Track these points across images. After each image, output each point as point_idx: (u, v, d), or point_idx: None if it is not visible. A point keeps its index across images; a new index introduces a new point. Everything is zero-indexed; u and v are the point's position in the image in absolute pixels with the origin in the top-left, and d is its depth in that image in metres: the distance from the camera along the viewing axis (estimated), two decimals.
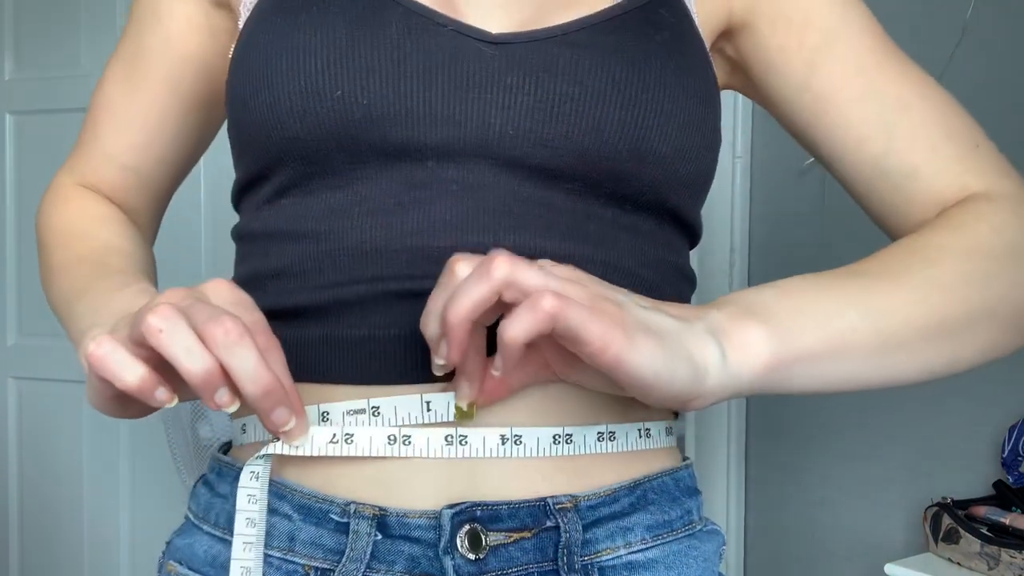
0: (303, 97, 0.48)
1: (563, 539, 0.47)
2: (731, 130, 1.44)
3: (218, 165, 1.04)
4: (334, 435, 0.46)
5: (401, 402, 0.46)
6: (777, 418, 1.41)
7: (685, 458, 0.57)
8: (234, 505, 0.48)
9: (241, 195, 0.55)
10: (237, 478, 0.48)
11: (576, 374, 0.45)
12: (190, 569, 0.51)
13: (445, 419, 0.46)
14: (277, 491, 0.48)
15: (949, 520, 1.04)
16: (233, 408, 0.41)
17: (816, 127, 0.57)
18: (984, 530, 1.01)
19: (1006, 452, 1.10)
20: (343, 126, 0.47)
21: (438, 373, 0.43)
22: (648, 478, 0.51)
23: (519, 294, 0.39)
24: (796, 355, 0.44)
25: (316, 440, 0.45)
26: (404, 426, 0.46)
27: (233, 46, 0.54)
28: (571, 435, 0.48)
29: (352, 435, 0.46)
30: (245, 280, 0.53)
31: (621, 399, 0.49)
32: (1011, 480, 1.09)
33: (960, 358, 0.49)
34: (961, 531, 1.02)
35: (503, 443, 0.46)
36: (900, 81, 0.55)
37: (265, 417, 0.42)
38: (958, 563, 1.03)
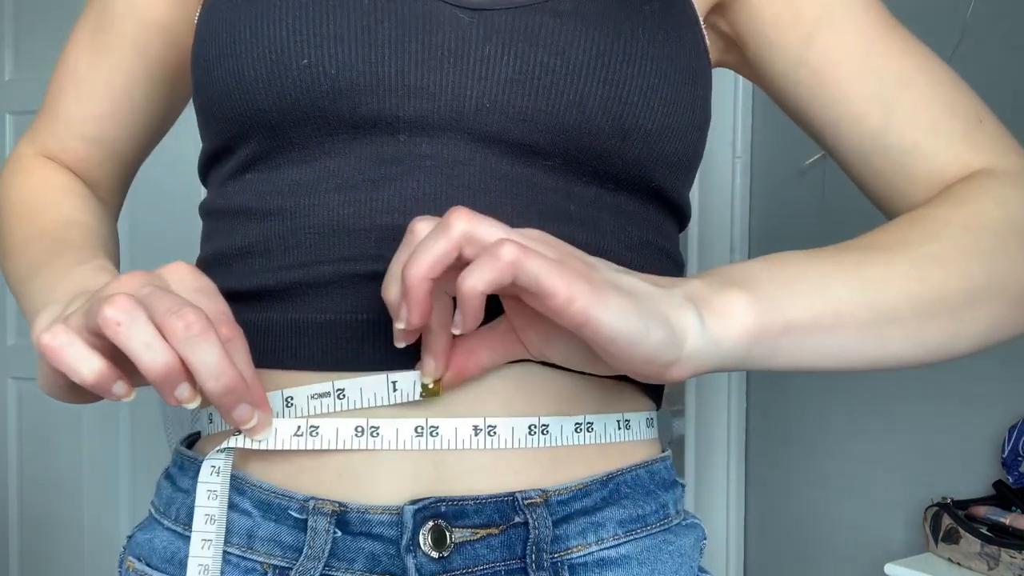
0: (268, 66, 0.45)
1: (532, 536, 0.45)
2: (731, 130, 1.44)
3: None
4: (299, 427, 0.44)
5: (366, 383, 0.44)
6: (777, 418, 1.41)
7: (663, 450, 0.55)
8: (195, 500, 0.47)
9: (207, 168, 0.53)
10: (199, 472, 0.47)
11: (549, 348, 0.43)
12: (148, 566, 0.50)
13: (411, 398, 0.44)
14: (237, 486, 0.47)
15: (949, 520, 1.04)
16: (194, 404, 0.40)
17: (814, 104, 0.54)
18: (984, 530, 1.01)
19: (1006, 452, 1.10)
20: (310, 97, 0.45)
21: (399, 344, 0.41)
22: (622, 471, 0.49)
23: (480, 249, 0.37)
24: (782, 325, 0.41)
25: (280, 433, 0.44)
26: (372, 412, 0.44)
27: (198, 11, 0.51)
28: (547, 425, 0.46)
29: (318, 427, 0.44)
30: (210, 259, 0.51)
31: (600, 388, 0.48)
32: (1011, 480, 1.09)
33: (960, 337, 0.46)
34: (961, 531, 1.02)
35: (476, 434, 0.45)
36: (900, 55, 0.53)
37: (226, 414, 0.41)
38: (958, 563, 1.03)
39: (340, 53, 0.45)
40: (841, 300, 0.43)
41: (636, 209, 0.50)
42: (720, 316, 0.40)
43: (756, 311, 0.41)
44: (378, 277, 0.44)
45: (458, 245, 0.37)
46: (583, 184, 0.48)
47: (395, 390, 0.44)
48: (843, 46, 0.53)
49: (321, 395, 0.44)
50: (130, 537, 0.53)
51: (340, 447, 0.44)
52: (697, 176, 1.70)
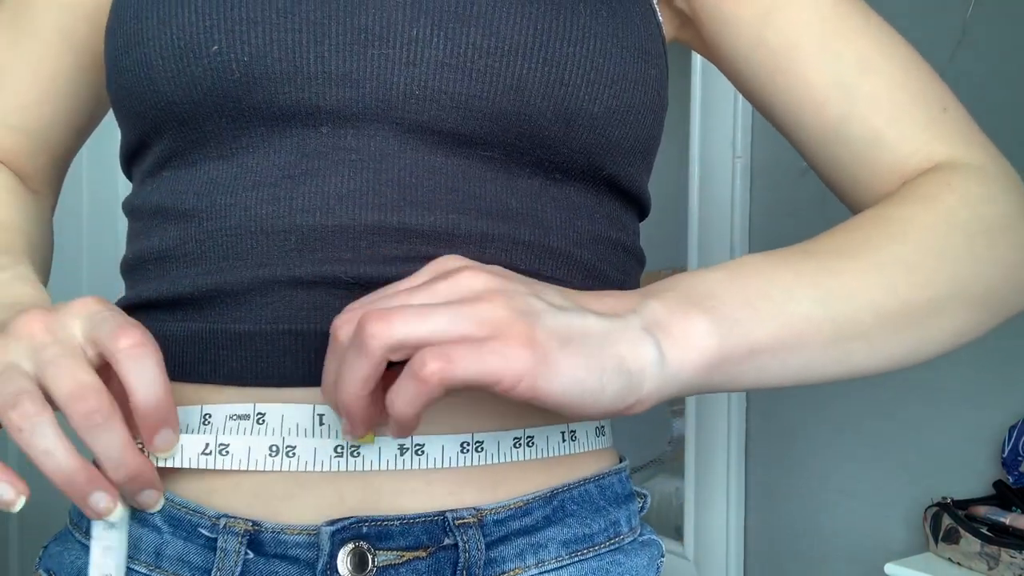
0: (176, 55, 0.42)
1: (462, 559, 0.42)
2: (731, 130, 1.44)
3: None
4: (207, 445, 0.41)
5: (289, 411, 0.41)
6: (777, 418, 1.41)
7: (621, 459, 0.52)
8: (90, 556, 0.45)
9: (128, 163, 0.50)
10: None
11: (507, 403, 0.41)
12: None
13: (339, 438, 0.41)
14: None
15: (949, 520, 1.04)
16: (114, 517, 0.38)
17: (772, 88, 0.51)
18: (984, 530, 1.01)
19: (1006, 452, 1.10)
20: (222, 87, 0.42)
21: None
22: (568, 487, 0.46)
23: (409, 350, 0.34)
24: (744, 350, 0.38)
25: (187, 450, 0.41)
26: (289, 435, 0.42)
27: None
28: (482, 442, 0.43)
29: (228, 445, 0.41)
30: (131, 262, 0.48)
31: None
32: (1011, 480, 1.09)
33: (925, 345, 0.44)
34: (961, 531, 1.02)
35: (402, 454, 0.41)
36: (863, 38, 0.50)
37: (129, 496, 0.39)
38: (958, 563, 1.03)
39: (253, 38, 0.41)
40: (805, 317, 0.40)
41: (586, 200, 0.47)
42: (680, 346, 0.37)
43: (718, 336, 0.38)
44: (300, 284, 0.42)
45: (380, 362, 0.34)
46: (526, 176, 0.44)
47: (321, 424, 0.41)
48: (802, 26, 0.50)
49: (240, 416, 0.41)
50: (45, 548, 0.50)
51: (252, 468, 0.41)
52: (697, 176, 1.71)
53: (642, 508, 0.52)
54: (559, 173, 0.45)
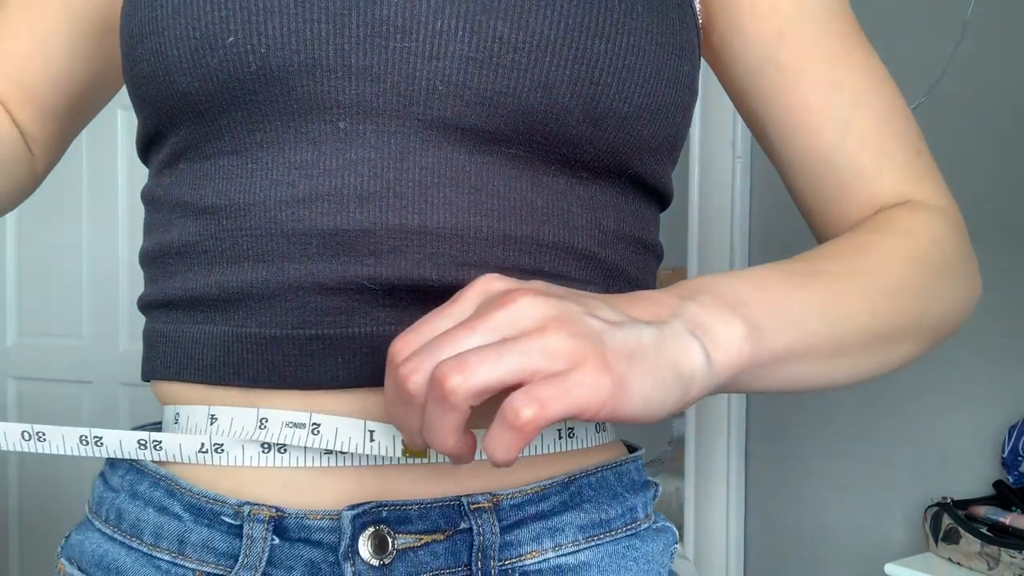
0: (191, 45, 0.41)
1: (476, 542, 0.43)
2: (731, 130, 1.44)
3: None
4: (202, 444, 0.42)
5: (343, 424, 0.42)
6: (777, 418, 1.41)
7: (633, 448, 0.53)
8: (125, 500, 0.45)
9: (145, 151, 0.50)
10: (130, 470, 0.46)
11: None
12: (79, 569, 0.47)
13: (391, 453, 0.41)
14: (167, 487, 0.44)
15: (949, 520, 1.04)
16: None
17: (773, 106, 0.52)
18: (984, 530, 1.01)
19: (1006, 452, 1.10)
20: (238, 79, 0.41)
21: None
22: (585, 472, 0.46)
23: (490, 394, 0.33)
24: (767, 357, 0.40)
25: (185, 449, 0.42)
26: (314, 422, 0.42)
27: None
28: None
29: (222, 445, 0.42)
30: (152, 254, 0.48)
31: None
32: (1011, 480, 1.09)
33: (884, 366, 0.47)
34: (961, 531, 1.02)
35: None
36: (862, 74, 0.52)
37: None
38: (958, 563, 1.03)
39: (271, 29, 0.40)
40: (814, 332, 0.42)
41: (612, 199, 0.46)
42: (723, 348, 0.38)
43: (751, 341, 0.39)
44: (323, 289, 0.42)
45: (468, 411, 0.33)
46: (552, 174, 0.44)
47: (372, 440, 0.41)
48: (812, 54, 0.52)
49: (296, 424, 0.42)
50: (67, 538, 0.50)
51: (247, 464, 0.43)
52: (697, 176, 1.71)
53: (655, 497, 0.53)
54: (585, 171, 0.44)
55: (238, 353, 0.43)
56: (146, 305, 0.48)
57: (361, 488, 0.43)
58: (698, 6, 0.50)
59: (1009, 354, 1.13)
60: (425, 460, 0.42)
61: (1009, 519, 1.00)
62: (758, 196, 1.43)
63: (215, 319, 0.44)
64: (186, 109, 0.43)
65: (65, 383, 2.35)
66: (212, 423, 0.44)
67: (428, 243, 0.42)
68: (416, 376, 0.34)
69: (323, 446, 0.41)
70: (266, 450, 0.42)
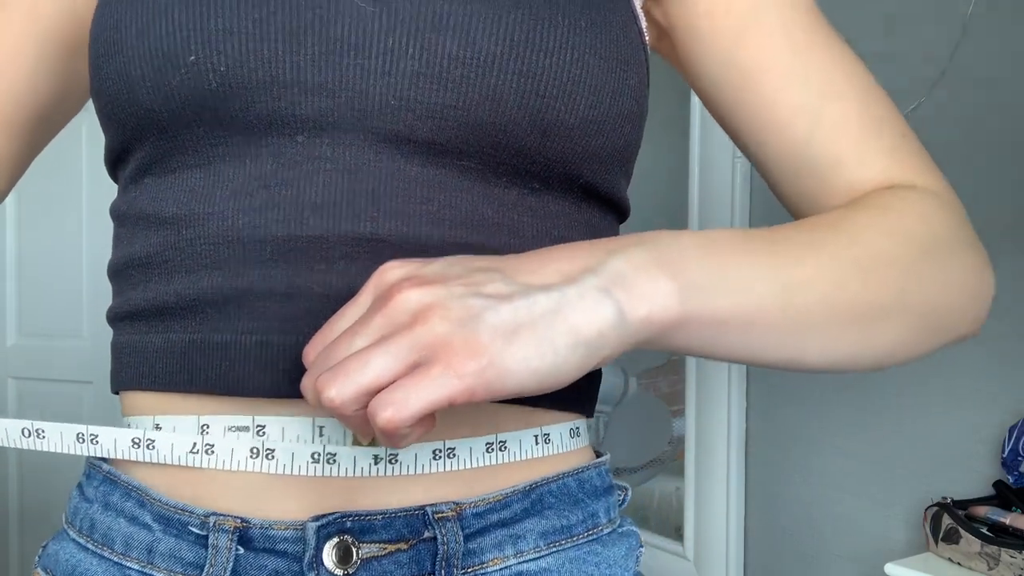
0: (154, 65, 0.42)
1: (440, 551, 0.43)
2: None
3: None
4: (194, 444, 0.43)
5: (290, 424, 0.43)
6: (777, 418, 1.41)
7: (599, 454, 0.53)
8: (98, 511, 0.46)
9: (113, 168, 0.51)
10: (104, 481, 0.46)
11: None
12: None
13: (341, 444, 0.43)
14: (138, 498, 0.45)
15: (949, 520, 1.04)
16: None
17: (739, 107, 0.52)
18: (984, 530, 1.01)
19: (1006, 452, 1.10)
20: (199, 96, 0.42)
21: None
22: (547, 480, 0.47)
23: (368, 398, 0.35)
24: (705, 318, 0.39)
25: (176, 449, 0.43)
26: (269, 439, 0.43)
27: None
28: (454, 448, 0.44)
29: (213, 445, 0.43)
30: (117, 267, 0.49)
31: (514, 403, 0.46)
32: (1011, 480, 1.09)
33: (867, 349, 0.44)
34: (961, 531, 1.02)
35: (376, 463, 0.43)
36: (829, 63, 0.51)
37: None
38: (958, 563, 1.03)
39: (230, 48, 0.42)
40: (765, 297, 0.41)
41: (563, 208, 0.47)
42: (643, 304, 0.37)
43: (679, 299, 0.38)
44: (274, 295, 0.43)
45: (352, 414, 0.35)
46: (503, 185, 0.45)
47: (321, 435, 0.43)
48: (773, 49, 0.51)
49: (239, 428, 0.43)
50: (44, 547, 0.51)
51: (235, 468, 0.43)
52: (697, 176, 1.71)
53: (622, 501, 0.53)
54: (536, 182, 0.46)
55: (193, 360, 0.44)
56: (112, 318, 0.49)
57: (326, 499, 0.43)
58: (643, 23, 0.50)
59: (1009, 354, 1.13)
60: (375, 444, 0.43)
61: (1009, 519, 1.00)
62: (758, 196, 1.43)
63: (174, 327, 0.45)
64: (150, 125, 0.44)
65: (65, 383, 2.35)
66: (157, 430, 0.45)
67: (379, 251, 0.43)
68: (309, 394, 0.37)
69: (270, 445, 0.42)
70: (255, 455, 0.43)
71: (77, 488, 0.51)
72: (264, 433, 0.43)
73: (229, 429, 0.43)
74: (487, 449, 0.45)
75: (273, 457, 0.43)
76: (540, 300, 0.36)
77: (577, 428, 0.51)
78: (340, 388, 0.34)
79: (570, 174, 0.46)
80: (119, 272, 0.49)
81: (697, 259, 0.39)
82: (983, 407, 1.15)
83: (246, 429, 0.43)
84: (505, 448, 0.45)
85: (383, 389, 0.34)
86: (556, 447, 0.48)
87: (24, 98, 0.57)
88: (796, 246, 0.43)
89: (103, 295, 2.23)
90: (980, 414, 1.16)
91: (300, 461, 0.42)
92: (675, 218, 1.71)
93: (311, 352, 0.38)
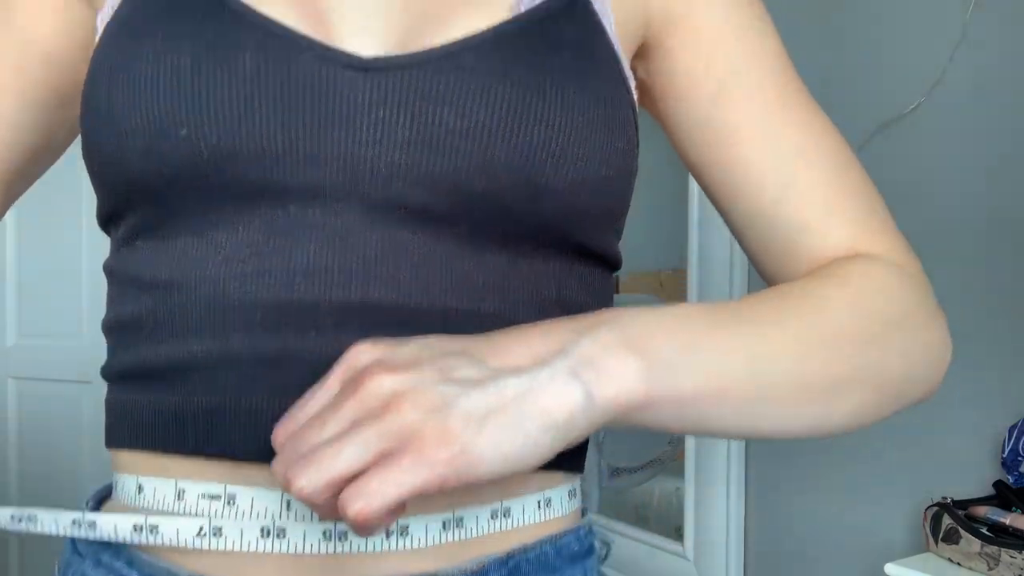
0: (146, 135, 0.43)
1: None
2: None
3: None
4: (201, 528, 0.42)
5: (259, 495, 0.43)
6: None
7: (583, 513, 0.54)
8: (88, 567, 0.46)
9: (105, 225, 0.51)
10: (104, 547, 0.46)
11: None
12: None
13: (309, 519, 0.43)
14: (128, 558, 0.45)
15: (949, 520, 1.04)
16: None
17: (714, 166, 0.53)
18: (984, 530, 1.01)
19: (1006, 452, 1.10)
20: (191, 166, 0.43)
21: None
22: (524, 548, 0.47)
23: (338, 488, 0.35)
24: (669, 398, 0.40)
25: (182, 532, 0.43)
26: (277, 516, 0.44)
27: (95, 42, 0.48)
28: (462, 518, 0.44)
29: (221, 528, 0.42)
30: (110, 325, 0.49)
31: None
32: (1011, 480, 1.09)
33: (826, 420, 0.46)
34: (961, 531, 1.02)
35: (387, 536, 0.43)
36: (803, 129, 0.53)
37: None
38: (958, 563, 1.03)
39: (221, 121, 0.42)
40: (730, 376, 0.41)
41: (555, 268, 0.48)
42: (610, 386, 0.38)
43: (646, 381, 0.39)
44: (263, 360, 0.43)
45: (323, 503, 0.35)
46: (494, 250, 0.45)
47: (289, 508, 0.43)
48: (747, 112, 0.52)
49: (212, 496, 0.43)
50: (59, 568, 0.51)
51: (245, 549, 0.43)
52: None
53: (605, 556, 0.54)
54: (527, 245, 0.46)
55: (181, 422, 0.44)
56: (106, 375, 0.50)
57: (303, 571, 0.43)
58: (632, 83, 0.51)
59: (1009, 354, 1.13)
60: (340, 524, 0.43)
61: (1009, 519, 1.00)
62: None
63: (164, 390, 0.45)
64: (142, 193, 0.44)
65: (65, 383, 2.35)
66: (139, 493, 0.45)
67: (369, 318, 0.43)
68: (279, 481, 0.36)
69: (238, 517, 0.43)
70: (265, 535, 0.43)
71: (69, 541, 0.51)
72: (234, 503, 0.43)
73: (202, 496, 0.43)
74: (492, 516, 0.45)
75: (285, 536, 0.42)
76: (511, 384, 0.37)
77: (575, 489, 0.52)
78: (310, 478, 0.35)
79: (561, 236, 0.47)
80: (112, 331, 0.49)
81: (664, 338, 0.40)
82: (983, 407, 1.15)
83: (218, 497, 0.43)
84: (509, 515, 0.46)
85: (354, 478, 0.35)
86: (556, 510, 0.49)
87: (4, 148, 0.57)
88: (761, 322, 0.44)
89: (103, 295, 2.23)
90: (980, 414, 1.16)
91: (312, 539, 0.42)
92: (675, 218, 1.71)
93: (281, 435, 0.38)
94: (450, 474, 0.35)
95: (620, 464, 2.01)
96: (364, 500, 0.34)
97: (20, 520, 0.43)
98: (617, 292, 1.68)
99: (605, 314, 0.41)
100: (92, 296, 2.31)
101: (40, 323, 2.42)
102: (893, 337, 0.47)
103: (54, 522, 0.43)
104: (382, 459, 0.35)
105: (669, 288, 2.27)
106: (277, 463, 0.37)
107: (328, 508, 0.36)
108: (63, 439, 2.33)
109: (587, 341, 0.39)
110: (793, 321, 0.45)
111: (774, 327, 0.44)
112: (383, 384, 0.36)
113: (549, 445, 0.37)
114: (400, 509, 0.36)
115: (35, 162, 0.60)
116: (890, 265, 0.50)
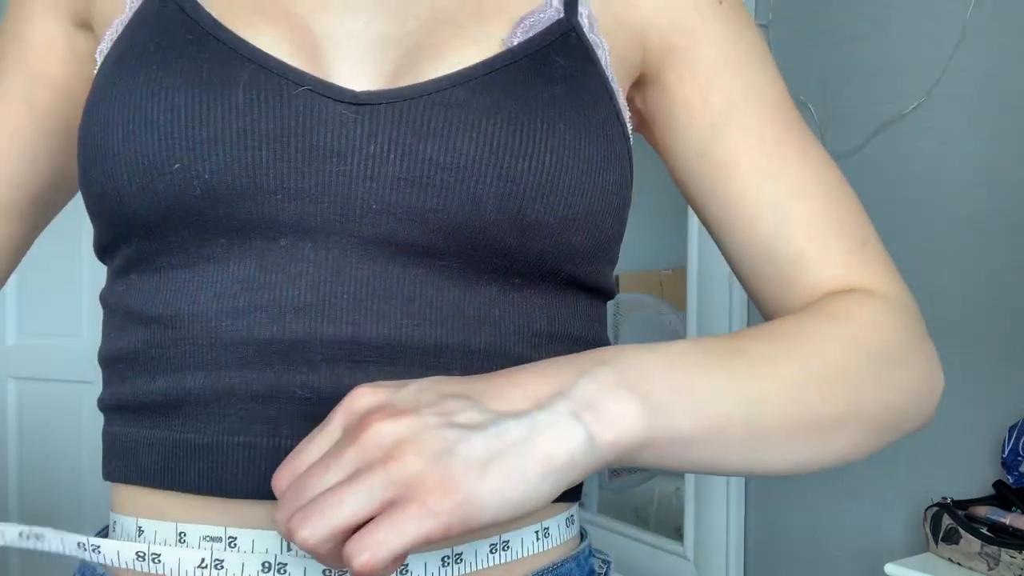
0: (140, 171, 0.43)
1: None
2: None
3: None
4: (203, 560, 0.43)
5: (260, 536, 0.43)
6: None
7: (583, 534, 0.54)
8: None
9: (102, 255, 0.52)
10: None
11: None
12: None
13: (310, 556, 0.42)
14: None
15: (949, 520, 1.04)
16: None
17: (711, 198, 0.54)
18: (984, 530, 1.01)
19: (1006, 452, 1.10)
20: (184, 201, 0.43)
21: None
22: None
23: (342, 537, 0.35)
24: (667, 438, 0.40)
25: (183, 562, 0.43)
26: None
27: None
28: (461, 553, 0.44)
29: (223, 560, 0.43)
30: (106, 357, 0.50)
31: None
32: (1011, 480, 1.09)
33: (821, 456, 0.46)
34: (961, 531, 1.02)
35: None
36: (798, 162, 0.53)
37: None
38: (958, 563, 1.03)
39: (214, 156, 0.42)
40: (726, 415, 0.42)
41: (546, 301, 0.48)
42: (611, 428, 0.38)
43: (645, 422, 0.39)
44: (256, 397, 0.43)
45: (326, 553, 0.35)
46: (484, 283, 0.45)
47: (289, 549, 0.43)
48: (745, 146, 0.52)
49: (213, 539, 0.43)
50: None
51: None
52: None
53: (605, 573, 0.54)
54: (517, 278, 0.46)
55: (177, 459, 0.44)
56: (102, 407, 0.50)
57: None
58: (627, 115, 0.51)
59: (1009, 354, 1.13)
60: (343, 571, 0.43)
61: (1009, 519, 1.00)
62: None
63: (159, 424, 0.45)
64: (136, 226, 0.45)
65: (65, 383, 2.35)
66: (140, 535, 0.45)
67: (360, 353, 0.43)
68: (281, 530, 0.36)
69: (240, 552, 0.43)
70: (266, 569, 0.43)
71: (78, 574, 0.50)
72: (235, 545, 0.43)
73: (204, 538, 0.43)
74: (491, 550, 0.45)
75: (286, 571, 0.42)
76: (511, 428, 0.37)
77: (572, 516, 0.52)
78: (314, 529, 0.34)
79: (551, 269, 0.47)
80: (107, 364, 0.49)
81: (661, 378, 0.40)
82: (983, 407, 1.15)
83: (219, 539, 0.43)
84: (508, 547, 0.46)
85: (357, 528, 0.35)
86: (554, 540, 0.49)
87: (22, 181, 0.57)
88: (756, 361, 0.44)
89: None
90: (980, 414, 1.16)
91: (312, 575, 0.42)
92: (675, 218, 1.71)
93: (281, 482, 0.38)
94: (454, 523, 0.34)
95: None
96: (370, 552, 0.34)
97: (28, 538, 0.43)
98: (617, 292, 1.69)
99: (602, 353, 0.41)
100: (92, 296, 2.31)
101: (40, 323, 2.42)
102: (887, 374, 0.48)
103: (60, 542, 0.43)
104: (385, 508, 0.35)
105: (669, 288, 2.27)
106: (279, 512, 0.37)
107: (332, 557, 0.35)
108: (63, 439, 2.33)
109: (585, 382, 0.39)
110: (787, 360, 0.45)
111: (768, 367, 0.44)
112: (384, 431, 0.36)
113: (549, 489, 0.37)
114: (404, 556, 0.35)
115: (55, 190, 0.60)
116: (882, 299, 0.51)
